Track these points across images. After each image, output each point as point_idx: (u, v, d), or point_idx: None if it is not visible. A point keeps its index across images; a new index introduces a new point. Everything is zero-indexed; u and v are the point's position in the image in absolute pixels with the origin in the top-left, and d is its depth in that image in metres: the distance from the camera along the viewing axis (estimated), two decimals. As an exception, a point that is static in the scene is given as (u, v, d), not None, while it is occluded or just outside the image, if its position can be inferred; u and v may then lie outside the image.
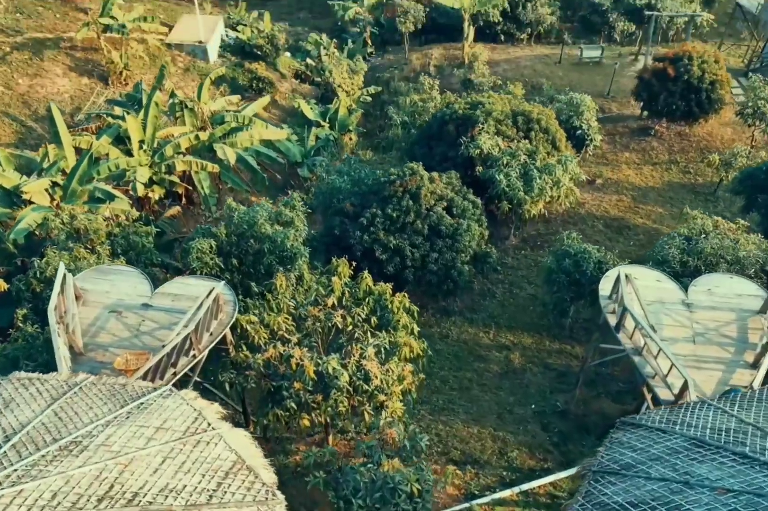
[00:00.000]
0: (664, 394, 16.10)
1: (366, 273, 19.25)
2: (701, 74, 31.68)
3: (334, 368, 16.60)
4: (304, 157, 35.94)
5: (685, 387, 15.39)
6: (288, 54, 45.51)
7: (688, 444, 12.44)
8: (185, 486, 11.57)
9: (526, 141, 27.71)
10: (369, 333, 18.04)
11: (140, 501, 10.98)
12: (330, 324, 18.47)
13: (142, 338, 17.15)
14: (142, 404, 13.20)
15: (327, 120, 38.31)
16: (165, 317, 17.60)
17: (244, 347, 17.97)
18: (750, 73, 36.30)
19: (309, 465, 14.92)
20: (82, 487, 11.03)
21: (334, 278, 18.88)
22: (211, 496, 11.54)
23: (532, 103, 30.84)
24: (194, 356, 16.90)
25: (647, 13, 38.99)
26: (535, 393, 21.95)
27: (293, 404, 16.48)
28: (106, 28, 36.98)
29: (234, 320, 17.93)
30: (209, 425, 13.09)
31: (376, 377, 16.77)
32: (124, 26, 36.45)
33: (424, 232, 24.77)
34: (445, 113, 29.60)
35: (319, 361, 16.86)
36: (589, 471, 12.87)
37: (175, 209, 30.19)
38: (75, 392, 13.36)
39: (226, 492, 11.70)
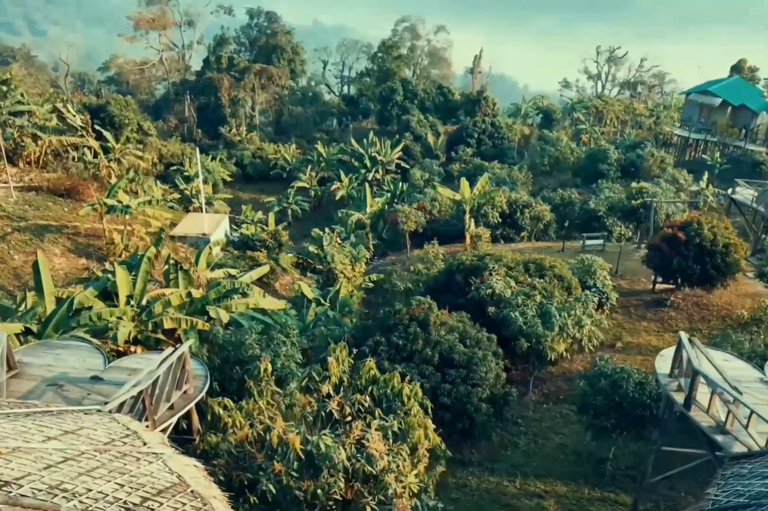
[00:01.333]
0: None
1: (370, 359, 16.10)
2: (713, 238, 30.98)
3: (327, 446, 12.77)
4: (302, 332, 33.66)
5: (794, 451, 11.59)
6: (291, 255, 45.76)
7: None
8: (89, 490, 7.66)
9: (541, 280, 25.96)
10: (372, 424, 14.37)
11: (10, 491, 7.12)
12: (324, 413, 14.84)
13: (84, 412, 13.49)
14: (52, 412, 9.57)
15: (328, 300, 36.86)
16: (115, 391, 14.10)
17: (214, 436, 14.13)
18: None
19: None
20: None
21: (330, 359, 15.66)
22: (128, 509, 7.57)
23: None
24: (147, 431, 13.08)
25: (647, 199, 40.04)
26: (583, 539, 17.03)
27: (271, 487, 12.25)
28: (110, 209, 37.46)
29: (203, 396, 14.41)
30: (145, 444, 9.30)
31: (383, 458, 12.82)
32: (128, 207, 36.97)
33: (435, 362, 21.74)
34: (453, 265, 28.38)
35: (309, 436, 13.06)
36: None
37: (154, 363, 27.10)
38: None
39: (153, 510, 7.73)
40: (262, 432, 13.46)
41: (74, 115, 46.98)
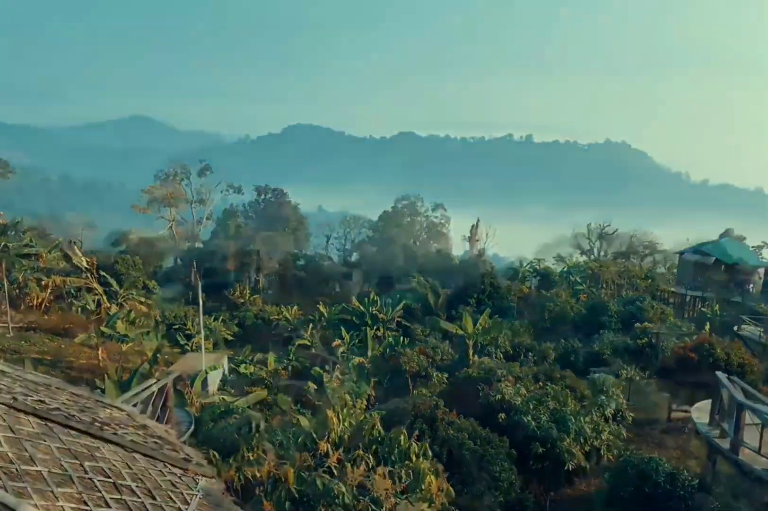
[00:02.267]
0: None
1: (376, 414, 14.83)
2: (727, 358, 30.07)
3: (323, 484, 11.33)
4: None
5: None
6: (290, 398, 44.08)
7: None
8: (25, 396, 6.62)
9: (554, 386, 24.72)
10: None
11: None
12: (322, 470, 13.31)
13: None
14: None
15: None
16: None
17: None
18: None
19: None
20: None
21: (329, 413, 14.41)
22: (67, 417, 6.50)
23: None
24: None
25: (652, 332, 39.36)
26: None
27: (259, 523, 10.62)
28: (107, 339, 36.72)
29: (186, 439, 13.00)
30: (109, 404, 8.19)
31: (389, 498, 11.29)
32: (126, 336, 36.29)
33: (443, 460, 19.93)
34: (458, 378, 27.20)
35: (303, 474, 11.62)
36: None
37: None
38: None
39: (106, 431, 6.65)
40: (250, 477, 11.98)
41: (80, 257, 47.91)
